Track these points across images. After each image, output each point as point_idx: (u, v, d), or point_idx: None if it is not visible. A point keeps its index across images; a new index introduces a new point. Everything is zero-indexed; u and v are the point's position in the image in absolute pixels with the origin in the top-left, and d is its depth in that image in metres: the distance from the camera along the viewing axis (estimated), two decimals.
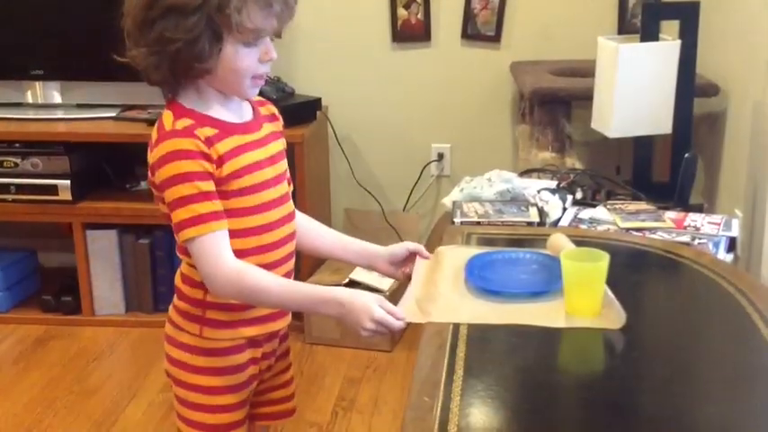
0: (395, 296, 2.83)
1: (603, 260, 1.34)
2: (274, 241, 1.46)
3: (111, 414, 2.51)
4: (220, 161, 1.36)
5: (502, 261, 1.57)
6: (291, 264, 1.51)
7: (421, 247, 1.59)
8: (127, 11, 1.36)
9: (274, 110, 1.54)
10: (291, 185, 1.58)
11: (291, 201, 1.52)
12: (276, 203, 1.47)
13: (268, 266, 1.42)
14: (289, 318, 1.56)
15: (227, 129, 1.39)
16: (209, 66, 1.33)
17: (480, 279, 1.48)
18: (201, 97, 1.39)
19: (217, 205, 1.35)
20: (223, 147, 1.37)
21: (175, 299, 1.50)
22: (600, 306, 1.36)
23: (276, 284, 1.39)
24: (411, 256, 1.58)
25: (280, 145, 1.51)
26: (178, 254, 1.48)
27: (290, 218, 1.50)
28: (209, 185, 1.35)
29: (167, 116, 1.37)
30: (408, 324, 1.40)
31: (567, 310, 1.37)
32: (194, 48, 1.31)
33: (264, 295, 1.39)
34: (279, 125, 1.53)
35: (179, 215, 1.34)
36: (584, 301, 1.36)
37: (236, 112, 1.43)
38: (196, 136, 1.34)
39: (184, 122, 1.35)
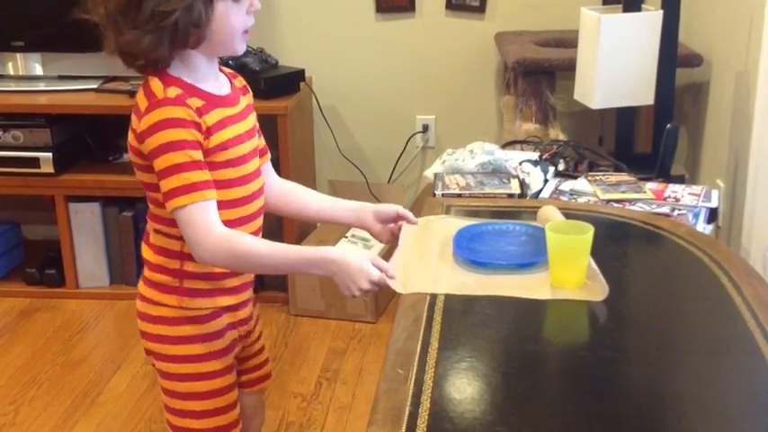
0: None
1: (588, 232, 1.35)
2: (253, 212, 1.48)
3: (96, 386, 2.52)
4: (208, 132, 1.37)
5: (491, 233, 1.57)
6: (260, 235, 1.52)
7: (409, 213, 1.59)
8: (97, 1, 1.34)
9: (244, 82, 1.54)
10: (269, 154, 1.59)
11: (261, 177, 1.52)
12: (254, 175, 1.49)
13: None
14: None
15: (212, 100, 1.40)
16: (205, 30, 1.34)
17: (468, 251, 1.48)
18: (187, 67, 1.39)
19: (207, 174, 1.36)
20: (210, 118, 1.38)
21: (146, 272, 1.49)
22: (584, 278, 1.37)
23: (267, 248, 1.40)
24: (399, 218, 1.59)
25: (253, 118, 1.52)
26: (151, 222, 1.47)
27: (262, 191, 1.52)
28: (199, 155, 1.35)
29: (155, 83, 1.36)
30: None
31: (551, 281, 1.38)
32: (191, 14, 1.31)
33: (256, 259, 1.39)
34: (250, 97, 1.54)
35: (170, 183, 1.33)
36: (568, 273, 1.37)
37: (218, 83, 1.44)
38: (188, 105, 1.34)
39: (175, 91, 1.35)
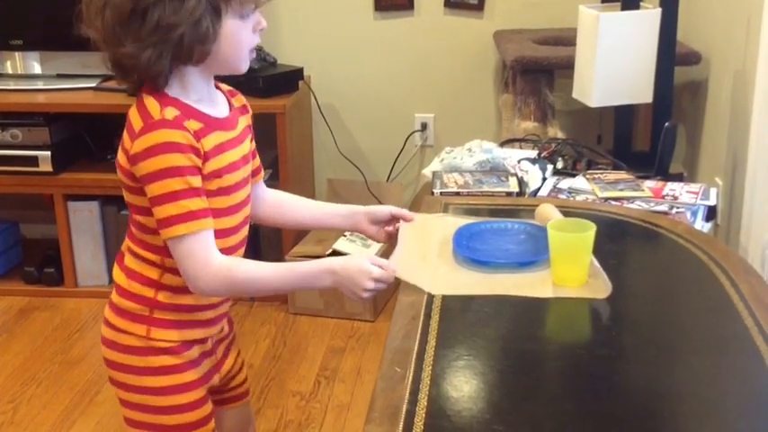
0: None
1: (590, 230, 1.35)
2: (237, 243, 1.44)
3: (94, 384, 2.51)
4: (206, 157, 1.31)
5: (490, 231, 1.57)
6: None
7: (403, 211, 1.58)
8: (96, 8, 1.28)
9: (244, 100, 1.49)
10: (262, 173, 1.55)
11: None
12: (243, 204, 1.43)
13: None
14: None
15: (210, 123, 1.34)
16: (211, 46, 1.28)
17: (468, 249, 1.48)
18: (185, 87, 1.33)
19: (206, 202, 1.30)
20: (208, 143, 1.32)
21: (115, 297, 1.42)
22: (586, 276, 1.37)
23: (268, 271, 1.37)
24: (393, 219, 1.58)
25: (249, 142, 1.46)
26: (130, 245, 1.40)
27: (248, 220, 1.47)
28: (198, 181, 1.29)
29: (151, 103, 1.29)
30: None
31: (553, 280, 1.38)
32: (198, 29, 1.26)
33: (258, 284, 1.37)
34: (249, 117, 1.48)
35: (167, 210, 1.27)
36: (570, 271, 1.37)
37: (215, 103, 1.39)
38: (186, 128, 1.28)
39: (172, 112, 1.28)
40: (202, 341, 1.45)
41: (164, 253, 1.36)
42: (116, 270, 1.44)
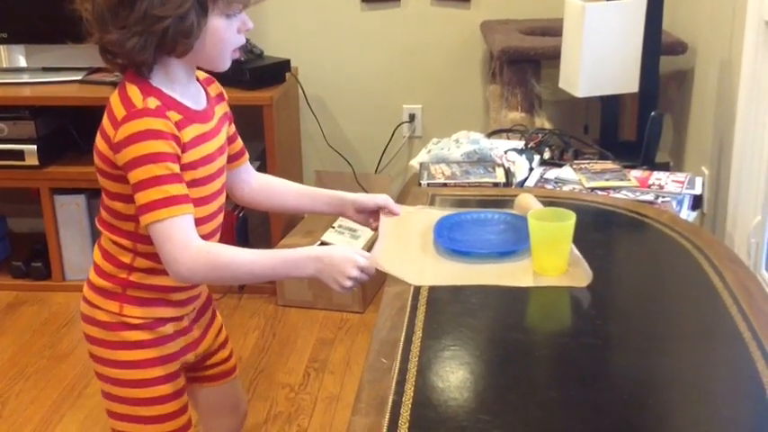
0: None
1: (570, 219, 1.36)
2: (211, 231, 1.45)
3: (83, 378, 2.51)
4: (183, 148, 1.34)
5: (470, 222, 1.58)
6: None
7: (389, 203, 1.59)
8: None
9: (220, 88, 1.51)
10: (246, 155, 1.58)
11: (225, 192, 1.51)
12: (217, 194, 1.46)
13: None
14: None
15: (189, 115, 1.37)
16: (194, 41, 1.31)
17: (449, 240, 1.49)
18: (168, 77, 1.35)
19: (185, 188, 1.32)
20: (186, 134, 1.35)
21: (92, 275, 1.46)
22: (566, 264, 1.38)
23: (248, 255, 1.36)
24: (380, 209, 1.59)
25: (225, 134, 1.48)
26: (99, 227, 1.45)
27: (222, 209, 1.49)
28: (178, 168, 1.31)
29: (134, 91, 1.32)
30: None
31: (534, 268, 1.39)
32: (183, 24, 1.28)
33: (238, 267, 1.36)
34: (225, 105, 1.51)
35: (149, 195, 1.29)
36: (550, 260, 1.38)
37: (195, 96, 1.41)
38: (168, 117, 1.31)
39: (154, 102, 1.31)
40: (176, 319, 1.48)
41: (136, 239, 1.40)
42: (95, 248, 1.48)
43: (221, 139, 1.46)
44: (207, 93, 1.46)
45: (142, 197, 1.30)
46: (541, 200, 1.76)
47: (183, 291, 1.47)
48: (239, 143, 1.56)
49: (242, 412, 1.72)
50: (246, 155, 1.59)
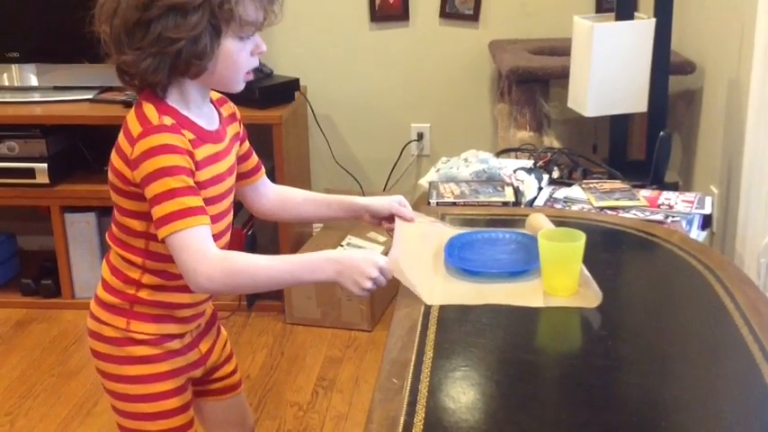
0: None
1: (580, 239, 1.36)
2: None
3: (92, 396, 2.51)
4: (196, 167, 1.36)
5: (481, 241, 1.58)
6: None
7: (403, 210, 1.59)
8: (107, 14, 1.33)
9: (234, 108, 1.53)
10: (263, 170, 1.59)
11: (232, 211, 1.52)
12: (226, 213, 1.47)
13: None
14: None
15: (202, 135, 1.39)
16: (207, 63, 1.33)
17: (460, 260, 1.49)
18: (183, 97, 1.38)
19: (201, 200, 1.33)
20: (199, 154, 1.37)
21: (100, 290, 1.47)
22: (576, 285, 1.38)
23: (265, 260, 1.36)
24: (393, 215, 1.60)
25: (235, 153, 1.50)
26: (109, 242, 1.46)
27: (228, 228, 1.51)
28: (193, 182, 1.33)
29: (150, 109, 1.34)
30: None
31: (544, 288, 1.39)
32: (197, 46, 1.30)
33: (257, 275, 1.35)
34: (237, 125, 1.52)
35: (166, 208, 1.30)
36: (560, 280, 1.38)
37: (208, 117, 1.43)
38: (183, 134, 1.33)
39: (170, 119, 1.34)
40: (182, 335, 1.49)
41: (146, 255, 1.42)
42: (104, 265, 1.49)
43: (231, 159, 1.47)
44: (219, 113, 1.47)
45: (159, 210, 1.31)
46: (551, 219, 1.77)
47: (189, 307, 1.48)
48: (254, 159, 1.57)
49: (248, 427, 1.73)
50: (263, 169, 1.60)
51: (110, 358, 1.46)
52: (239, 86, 1.41)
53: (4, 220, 3.27)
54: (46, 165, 2.91)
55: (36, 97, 3.05)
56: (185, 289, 1.39)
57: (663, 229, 1.71)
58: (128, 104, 2.87)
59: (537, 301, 1.36)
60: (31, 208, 3.11)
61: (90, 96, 3.01)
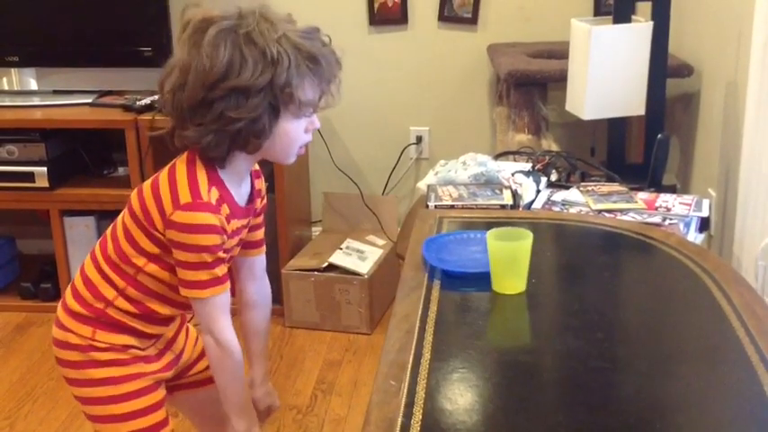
0: (373, 280, 2.85)
1: (527, 239, 1.40)
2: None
3: None
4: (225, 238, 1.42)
5: (455, 242, 1.62)
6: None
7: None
8: (172, 86, 1.36)
9: (264, 185, 1.56)
10: (264, 247, 1.63)
11: None
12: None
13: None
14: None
15: (234, 212, 1.44)
16: (264, 141, 1.37)
17: (439, 261, 1.51)
18: (232, 169, 1.42)
19: (227, 267, 1.44)
20: (229, 228, 1.42)
21: (69, 298, 1.51)
22: (524, 283, 1.41)
23: (241, 374, 1.51)
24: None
25: (248, 226, 1.54)
26: (97, 252, 1.49)
27: None
28: (223, 253, 1.41)
29: (202, 177, 1.38)
30: None
31: (493, 288, 1.42)
32: (256, 126, 1.35)
33: (234, 372, 1.48)
34: (260, 201, 1.55)
35: (198, 276, 1.39)
36: (509, 279, 1.41)
37: (244, 191, 1.47)
38: (222, 212, 1.39)
39: (215, 194, 1.39)
40: (146, 346, 1.52)
41: (130, 282, 1.46)
42: (77, 272, 1.52)
43: (244, 232, 1.52)
44: (253, 185, 1.51)
45: (190, 275, 1.40)
46: (549, 222, 1.78)
47: (155, 326, 1.52)
48: (261, 232, 1.61)
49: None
50: (263, 247, 1.63)
51: (75, 364, 1.49)
52: (292, 160, 1.46)
53: (3, 224, 3.28)
54: (45, 169, 2.92)
55: (35, 101, 3.06)
56: (152, 319, 1.48)
57: (660, 232, 1.71)
58: (127, 108, 2.88)
59: None
60: (30, 212, 3.11)
61: (89, 100, 3.01)
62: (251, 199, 1.50)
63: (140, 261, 1.44)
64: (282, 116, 1.37)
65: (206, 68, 1.31)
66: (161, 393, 1.54)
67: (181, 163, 1.40)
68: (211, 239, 1.37)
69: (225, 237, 1.40)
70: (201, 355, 1.66)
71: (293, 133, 1.40)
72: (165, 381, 1.56)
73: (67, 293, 1.51)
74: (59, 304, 1.53)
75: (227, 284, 1.43)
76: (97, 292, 1.47)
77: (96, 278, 1.48)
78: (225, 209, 1.40)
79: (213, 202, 1.38)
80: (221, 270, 1.41)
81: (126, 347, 1.48)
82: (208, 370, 1.65)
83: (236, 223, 1.45)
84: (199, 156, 1.40)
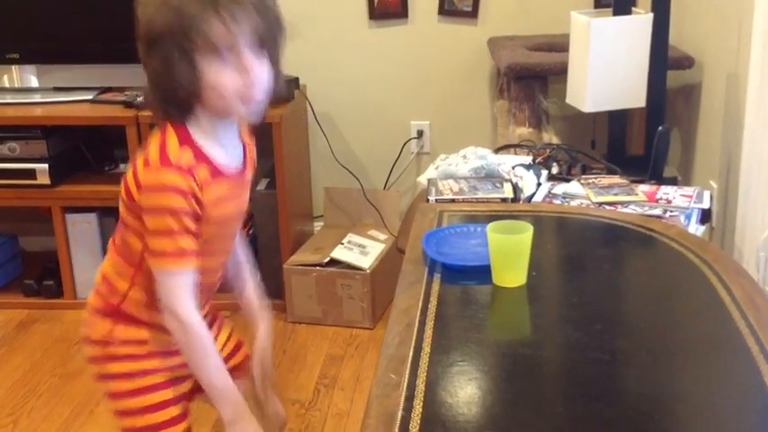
0: (375, 274, 2.85)
1: (527, 232, 1.40)
2: (213, 281, 1.53)
3: (94, 396, 2.51)
4: (202, 206, 1.38)
5: (455, 236, 1.61)
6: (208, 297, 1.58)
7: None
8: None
9: (254, 153, 1.54)
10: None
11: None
12: (225, 252, 1.52)
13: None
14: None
15: (217, 174, 1.39)
16: (194, 89, 1.33)
17: (439, 255, 1.51)
18: (203, 129, 1.39)
19: (195, 243, 1.38)
20: (209, 194, 1.38)
21: (90, 295, 1.53)
22: (524, 276, 1.41)
23: (216, 359, 1.45)
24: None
25: (247, 195, 1.52)
26: (110, 248, 1.51)
27: (225, 265, 1.56)
28: (192, 224, 1.37)
29: (172, 140, 1.36)
30: None
31: (494, 281, 1.42)
32: (178, 78, 1.31)
33: (202, 350, 1.43)
34: (253, 167, 1.54)
35: (162, 244, 1.36)
36: (509, 272, 1.41)
37: (230, 151, 1.43)
38: (194, 177, 1.35)
39: (187, 156, 1.35)
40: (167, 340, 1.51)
41: (137, 269, 1.45)
42: (100, 271, 1.53)
43: (242, 201, 1.50)
44: (246, 150, 1.48)
45: (155, 243, 1.37)
46: (549, 215, 1.78)
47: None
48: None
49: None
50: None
51: (97, 360, 1.51)
52: (237, 110, 1.37)
53: (5, 222, 3.28)
54: (47, 165, 2.92)
55: (36, 98, 3.06)
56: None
57: (661, 224, 1.71)
58: (128, 105, 2.88)
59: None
60: (32, 209, 3.12)
61: (90, 97, 3.01)
62: (244, 165, 1.46)
63: (138, 245, 1.42)
64: (202, 63, 1.31)
65: (137, 32, 1.35)
66: (180, 389, 1.54)
67: (154, 133, 1.39)
68: (175, 200, 1.33)
69: (193, 202, 1.35)
70: (231, 354, 1.67)
71: (223, 81, 1.32)
72: (189, 376, 1.55)
73: (92, 292, 1.53)
74: (87, 301, 1.54)
75: (192, 262, 1.38)
76: (112, 287, 1.48)
77: (110, 272, 1.49)
78: (202, 173, 1.36)
79: (183, 163, 1.34)
80: (187, 243, 1.36)
81: (143, 342, 1.49)
82: (233, 369, 1.66)
83: (222, 187, 1.40)
84: (171, 123, 1.38)
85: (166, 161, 1.34)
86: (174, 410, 1.52)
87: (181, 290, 1.38)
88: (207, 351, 1.43)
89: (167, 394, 1.51)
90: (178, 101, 1.35)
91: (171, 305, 1.39)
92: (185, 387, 1.55)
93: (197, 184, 1.35)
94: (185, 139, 1.36)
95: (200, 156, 1.37)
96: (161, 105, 1.36)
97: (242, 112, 1.38)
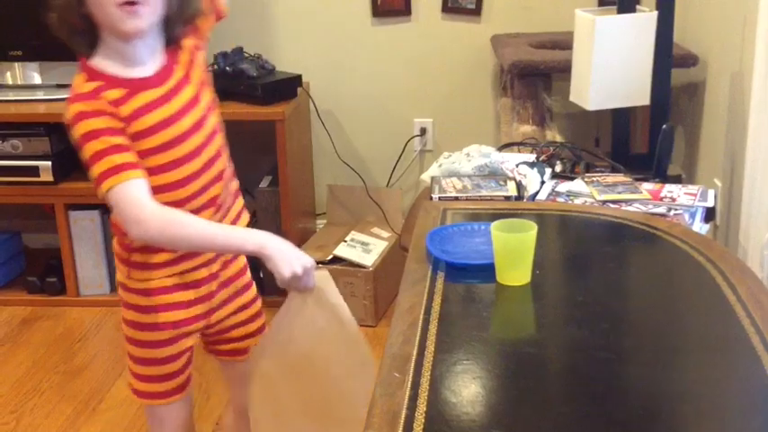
0: (378, 272, 2.85)
1: (532, 230, 1.39)
2: (196, 190, 1.49)
3: (97, 393, 2.52)
4: (128, 120, 1.40)
5: (459, 234, 1.61)
6: (216, 209, 1.52)
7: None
8: None
9: (188, 44, 1.50)
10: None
11: (217, 139, 1.53)
12: (193, 155, 1.47)
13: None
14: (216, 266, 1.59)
15: (134, 86, 1.42)
16: (78, 10, 1.38)
17: (443, 253, 1.51)
18: (108, 55, 1.42)
19: (132, 156, 1.39)
20: (128, 108, 1.40)
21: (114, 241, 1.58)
22: (529, 275, 1.41)
23: (202, 221, 1.45)
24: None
25: (192, 91, 1.48)
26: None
27: (206, 168, 1.49)
28: (120, 139, 1.38)
29: (79, 77, 1.42)
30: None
31: (498, 279, 1.41)
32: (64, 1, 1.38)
33: (190, 228, 1.42)
34: (187, 52, 1.50)
35: (97, 169, 1.38)
36: (513, 271, 1.40)
37: (144, 64, 1.44)
38: (101, 98, 1.38)
39: (92, 84, 1.39)
40: (192, 285, 1.54)
41: (126, 236, 1.47)
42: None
43: (182, 99, 1.46)
44: (170, 58, 1.47)
45: (93, 172, 1.39)
46: (553, 213, 1.77)
47: (189, 259, 1.52)
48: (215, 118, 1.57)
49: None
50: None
51: (121, 303, 1.57)
52: (121, 24, 1.37)
53: (8, 219, 3.28)
54: (50, 163, 2.92)
55: (39, 95, 3.06)
56: (172, 263, 1.50)
57: (665, 222, 1.71)
58: None
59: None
60: (35, 206, 3.12)
61: None
62: (164, 69, 1.45)
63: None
64: None
65: None
66: (182, 345, 1.57)
67: None
68: (92, 123, 1.37)
69: (107, 119, 1.37)
70: (240, 324, 1.67)
71: None
72: (195, 332, 1.58)
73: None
74: None
75: (135, 173, 1.38)
76: (118, 230, 1.50)
77: (115, 219, 1.51)
78: (113, 92, 1.39)
79: (85, 91, 1.39)
80: (121, 158, 1.37)
81: (151, 291, 1.52)
82: (244, 340, 1.68)
83: (145, 97, 1.41)
84: (80, 64, 1.43)
85: (74, 94, 1.40)
86: (173, 365, 1.58)
87: (130, 203, 1.37)
88: (182, 222, 1.42)
89: (168, 351, 1.56)
90: (78, 29, 1.40)
91: (128, 224, 1.39)
92: (188, 342, 1.58)
93: (109, 103, 1.38)
94: (92, 74, 1.41)
95: (110, 80, 1.40)
96: (70, 39, 1.41)
97: (122, 21, 1.37)
